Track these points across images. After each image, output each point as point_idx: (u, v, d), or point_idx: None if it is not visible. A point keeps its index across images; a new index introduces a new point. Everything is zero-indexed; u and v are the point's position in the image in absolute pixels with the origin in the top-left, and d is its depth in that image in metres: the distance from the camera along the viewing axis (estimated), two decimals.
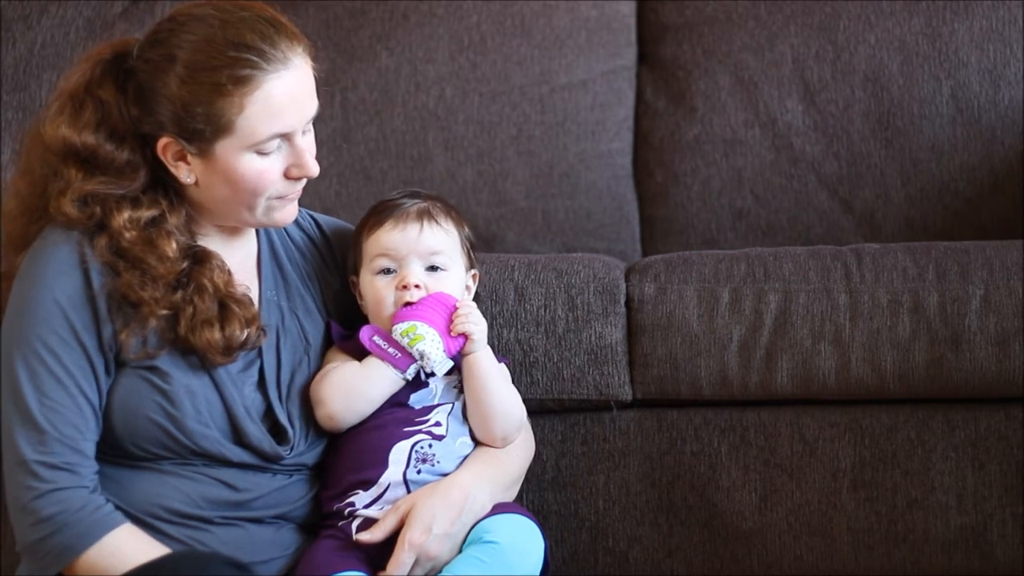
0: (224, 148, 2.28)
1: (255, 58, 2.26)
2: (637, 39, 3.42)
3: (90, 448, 2.28)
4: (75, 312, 2.28)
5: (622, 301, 2.71)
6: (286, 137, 2.30)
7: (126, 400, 2.30)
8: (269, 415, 2.38)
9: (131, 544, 2.25)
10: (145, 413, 2.30)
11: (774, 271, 2.72)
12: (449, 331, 2.39)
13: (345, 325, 2.50)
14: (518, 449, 2.50)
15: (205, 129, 2.27)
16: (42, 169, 2.34)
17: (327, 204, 3.27)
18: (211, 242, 2.40)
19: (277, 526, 2.38)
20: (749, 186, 3.31)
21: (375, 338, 2.40)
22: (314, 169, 2.33)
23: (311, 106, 2.33)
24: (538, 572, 2.37)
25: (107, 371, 2.30)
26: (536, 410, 2.69)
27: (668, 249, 3.21)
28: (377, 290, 2.43)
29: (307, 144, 2.34)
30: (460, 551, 2.34)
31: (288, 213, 2.38)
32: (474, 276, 2.52)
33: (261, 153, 2.29)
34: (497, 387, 2.43)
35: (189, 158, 2.30)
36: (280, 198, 2.34)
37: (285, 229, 2.51)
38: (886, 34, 3.31)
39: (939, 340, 2.65)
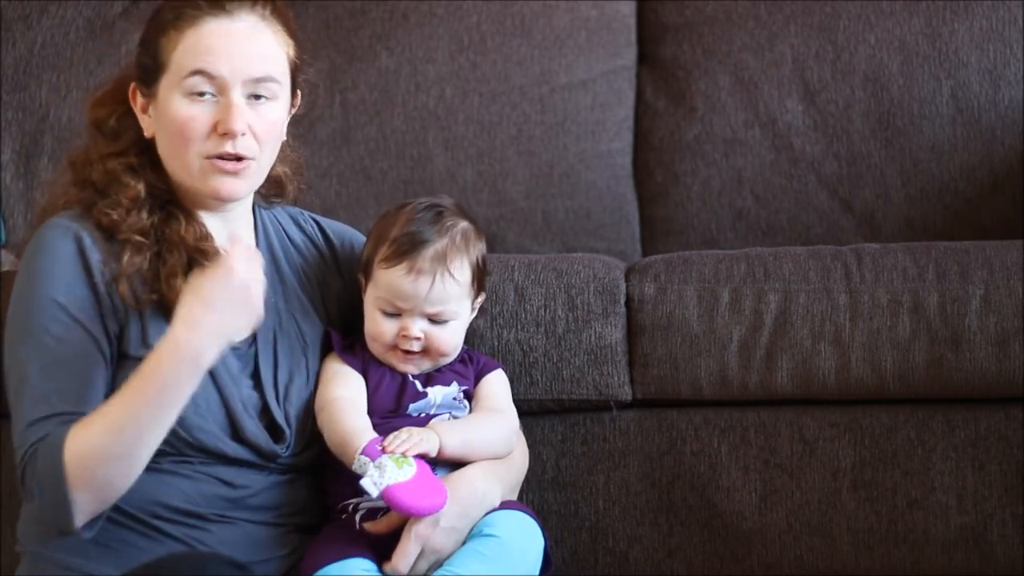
0: (163, 88, 2.34)
1: (201, 1, 2.33)
2: (637, 39, 3.42)
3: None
4: (78, 308, 2.29)
5: (622, 301, 2.71)
6: (218, 86, 2.31)
7: None
8: (265, 413, 2.38)
9: (92, 427, 2.21)
10: None
11: (774, 271, 2.72)
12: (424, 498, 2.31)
13: (346, 327, 2.50)
14: (520, 454, 2.51)
15: (150, 65, 2.34)
16: (84, 141, 2.45)
17: (327, 204, 3.27)
18: None
19: (276, 526, 2.38)
20: (749, 186, 3.31)
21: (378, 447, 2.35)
22: (234, 125, 2.31)
23: (253, 66, 2.33)
24: (538, 569, 2.37)
25: (112, 358, 2.31)
26: (536, 410, 2.69)
27: (668, 249, 3.21)
28: (378, 324, 2.42)
29: (258, 112, 2.34)
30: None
31: (226, 186, 2.35)
32: (479, 302, 2.51)
33: (191, 97, 2.32)
34: (483, 449, 2.41)
35: (149, 109, 2.36)
36: (211, 159, 2.33)
37: (285, 231, 2.52)
38: (886, 34, 3.31)
39: (939, 340, 2.65)
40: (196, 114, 2.32)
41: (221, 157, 2.33)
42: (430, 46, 3.35)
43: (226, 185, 2.35)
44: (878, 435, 2.69)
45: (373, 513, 2.35)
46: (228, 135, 2.32)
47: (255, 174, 2.38)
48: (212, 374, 2.33)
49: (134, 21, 3.30)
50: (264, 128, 2.35)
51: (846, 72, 3.31)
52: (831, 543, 2.69)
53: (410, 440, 2.31)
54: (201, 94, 2.32)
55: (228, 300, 2.21)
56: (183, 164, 2.34)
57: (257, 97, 2.34)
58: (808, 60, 3.32)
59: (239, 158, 2.34)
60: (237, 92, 2.32)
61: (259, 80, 2.34)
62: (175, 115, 2.32)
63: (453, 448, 2.36)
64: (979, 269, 2.68)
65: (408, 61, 3.35)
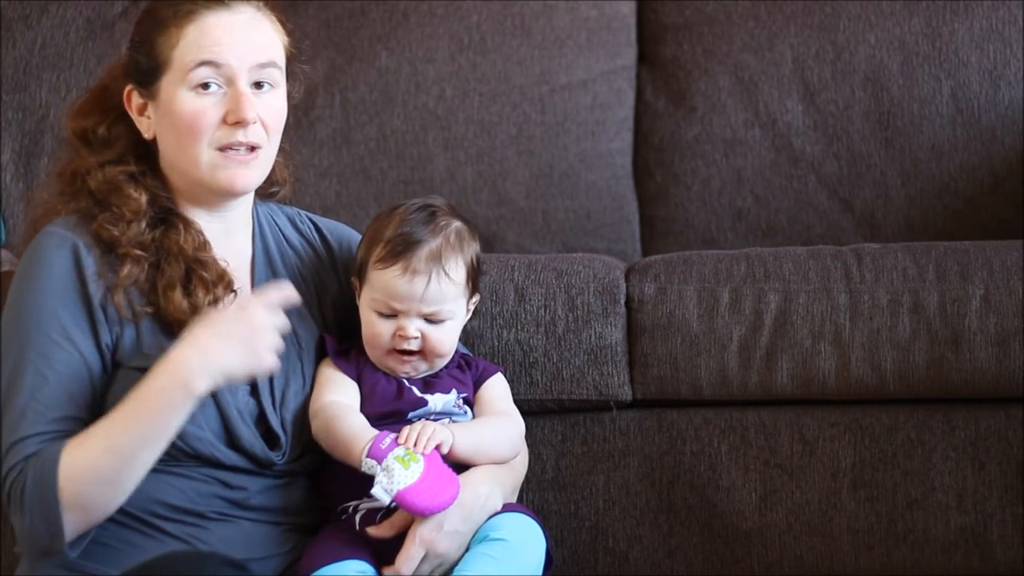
0: (165, 85, 2.34)
1: None
2: (637, 39, 3.42)
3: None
4: (70, 315, 2.29)
5: (622, 301, 2.71)
6: (225, 76, 2.32)
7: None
8: (262, 421, 2.38)
9: (85, 445, 2.22)
10: None
11: (774, 271, 2.72)
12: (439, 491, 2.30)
13: (342, 330, 2.49)
14: (520, 456, 2.50)
15: (148, 65, 2.34)
16: (67, 154, 2.44)
17: (327, 204, 3.27)
18: None
19: (275, 525, 2.38)
20: (749, 186, 3.31)
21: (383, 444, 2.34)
22: (246, 113, 2.32)
23: (257, 52, 2.34)
24: (540, 571, 2.37)
25: (104, 371, 2.30)
26: (536, 410, 2.69)
27: (668, 249, 3.21)
28: (374, 325, 2.41)
29: (264, 101, 2.35)
30: (467, 549, 2.34)
31: (236, 177, 2.36)
32: (474, 302, 2.51)
33: (198, 90, 2.32)
34: (492, 451, 2.42)
35: (148, 110, 2.36)
36: (222, 150, 2.34)
37: (282, 232, 2.52)
38: (886, 34, 3.31)
39: (939, 340, 2.65)
40: (206, 106, 2.32)
41: (232, 148, 2.34)
42: (430, 46, 3.35)
43: (239, 177, 2.36)
44: (878, 435, 2.69)
45: (372, 514, 2.35)
46: (240, 124, 2.33)
47: (264, 164, 2.39)
48: None
49: (134, 21, 3.30)
50: (271, 116, 2.36)
51: (846, 72, 3.31)
52: (831, 543, 2.70)
53: (425, 434, 2.30)
54: (207, 86, 2.32)
55: (236, 338, 2.21)
56: (192, 159, 2.34)
57: (259, 85, 2.35)
58: (808, 60, 3.32)
59: (251, 148, 2.35)
60: (244, 81, 2.33)
61: (263, 65, 2.35)
62: (182, 109, 2.32)
63: (464, 448, 2.36)
64: (979, 269, 2.68)
65: (408, 61, 3.35)
